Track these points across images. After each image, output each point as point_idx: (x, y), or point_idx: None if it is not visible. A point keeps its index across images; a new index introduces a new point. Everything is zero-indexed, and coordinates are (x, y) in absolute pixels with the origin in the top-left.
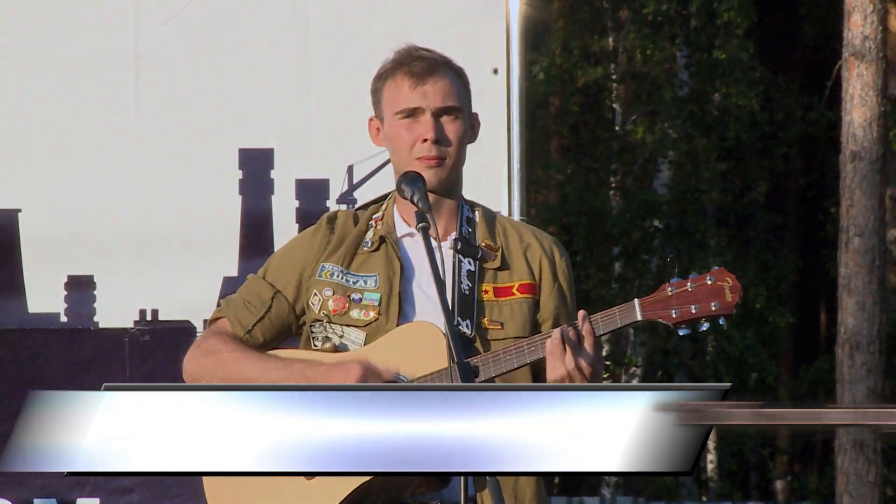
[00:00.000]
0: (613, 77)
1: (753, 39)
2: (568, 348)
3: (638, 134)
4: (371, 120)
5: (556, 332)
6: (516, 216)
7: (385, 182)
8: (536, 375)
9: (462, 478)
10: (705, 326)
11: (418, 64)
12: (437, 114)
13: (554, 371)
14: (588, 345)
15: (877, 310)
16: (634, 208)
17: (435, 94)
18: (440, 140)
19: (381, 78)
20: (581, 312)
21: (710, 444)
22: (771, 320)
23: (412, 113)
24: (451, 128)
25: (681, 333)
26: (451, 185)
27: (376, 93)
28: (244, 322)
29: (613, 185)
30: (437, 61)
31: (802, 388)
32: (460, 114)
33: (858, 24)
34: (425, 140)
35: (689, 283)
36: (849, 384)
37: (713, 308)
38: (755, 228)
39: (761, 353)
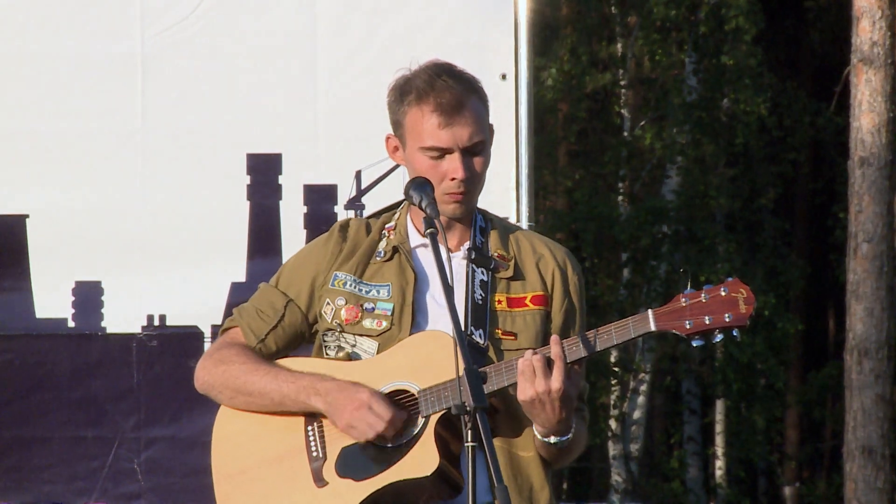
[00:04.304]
0: (622, 83)
1: (762, 45)
2: (538, 371)
3: (646, 140)
4: (389, 138)
5: (528, 354)
6: (524, 222)
7: (393, 187)
8: None
9: (470, 483)
10: (719, 338)
11: (446, 97)
12: (465, 151)
13: (523, 392)
14: (557, 369)
15: (885, 316)
16: (643, 214)
17: (463, 133)
18: (467, 178)
19: (404, 101)
20: (553, 337)
21: (719, 451)
22: (779, 326)
23: (440, 152)
24: (477, 161)
25: (694, 344)
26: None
27: (397, 114)
28: (257, 331)
29: (622, 190)
30: (463, 91)
31: (811, 393)
32: (484, 145)
33: (867, 31)
34: (453, 179)
35: (703, 295)
36: (857, 390)
37: (727, 319)
38: (763, 234)
39: (770, 359)
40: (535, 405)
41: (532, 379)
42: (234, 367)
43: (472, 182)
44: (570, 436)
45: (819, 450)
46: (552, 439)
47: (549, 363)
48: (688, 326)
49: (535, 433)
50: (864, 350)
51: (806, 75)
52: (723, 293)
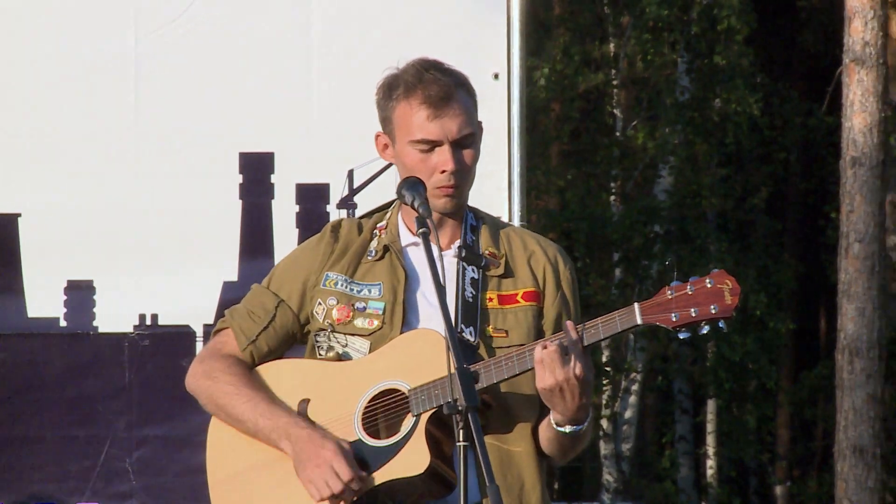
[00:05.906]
0: (614, 83)
1: (754, 45)
2: (557, 358)
3: (638, 139)
4: (378, 136)
5: (547, 343)
6: (517, 222)
7: (385, 186)
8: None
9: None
10: (705, 329)
11: (434, 89)
12: (455, 144)
13: (543, 381)
14: (576, 354)
15: (876, 315)
16: (635, 214)
17: (452, 125)
18: (458, 170)
19: (392, 97)
20: (568, 322)
21: (710, 450)
22: (771, 326)
23: (430, 144)
24: (467, 154)
25: (681, 337)
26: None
27: (386, 109)
28: (248, 332)
29: (614, 190)
30: (451, 84)
31: (802, 393)
32: (474, 138)
33: (859, 31)
34: (443, 171)
35: (688, 287)
36: (848, 389)
37: (712, 311)
38: (755, 234)
39: (761, 358)
40: (556, 393)
41: (552, 367)
42: (218, 385)
43: (463, 175)
44: (585, 425)
45: (810, 449)
46: (568, 428)
47: (564, 350)
48: (674, 319)
49: (552, 423)
50: (856, 350)
51: (798, 75)
52: (708, 285)
